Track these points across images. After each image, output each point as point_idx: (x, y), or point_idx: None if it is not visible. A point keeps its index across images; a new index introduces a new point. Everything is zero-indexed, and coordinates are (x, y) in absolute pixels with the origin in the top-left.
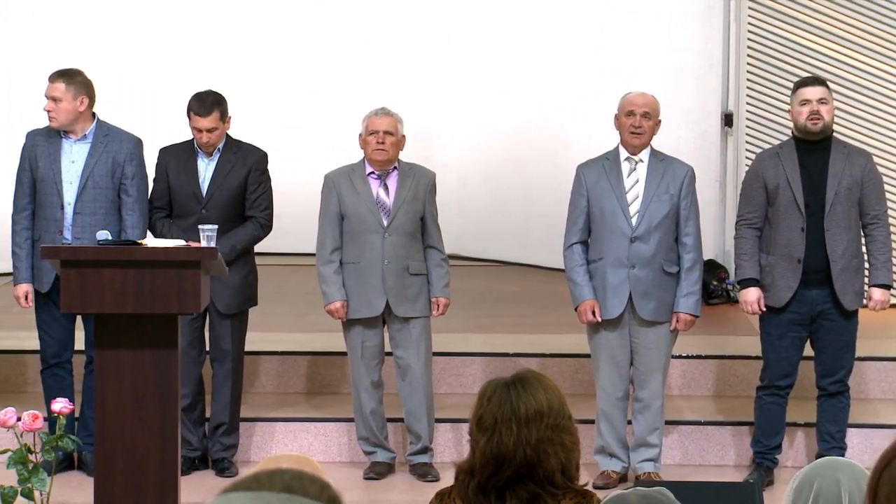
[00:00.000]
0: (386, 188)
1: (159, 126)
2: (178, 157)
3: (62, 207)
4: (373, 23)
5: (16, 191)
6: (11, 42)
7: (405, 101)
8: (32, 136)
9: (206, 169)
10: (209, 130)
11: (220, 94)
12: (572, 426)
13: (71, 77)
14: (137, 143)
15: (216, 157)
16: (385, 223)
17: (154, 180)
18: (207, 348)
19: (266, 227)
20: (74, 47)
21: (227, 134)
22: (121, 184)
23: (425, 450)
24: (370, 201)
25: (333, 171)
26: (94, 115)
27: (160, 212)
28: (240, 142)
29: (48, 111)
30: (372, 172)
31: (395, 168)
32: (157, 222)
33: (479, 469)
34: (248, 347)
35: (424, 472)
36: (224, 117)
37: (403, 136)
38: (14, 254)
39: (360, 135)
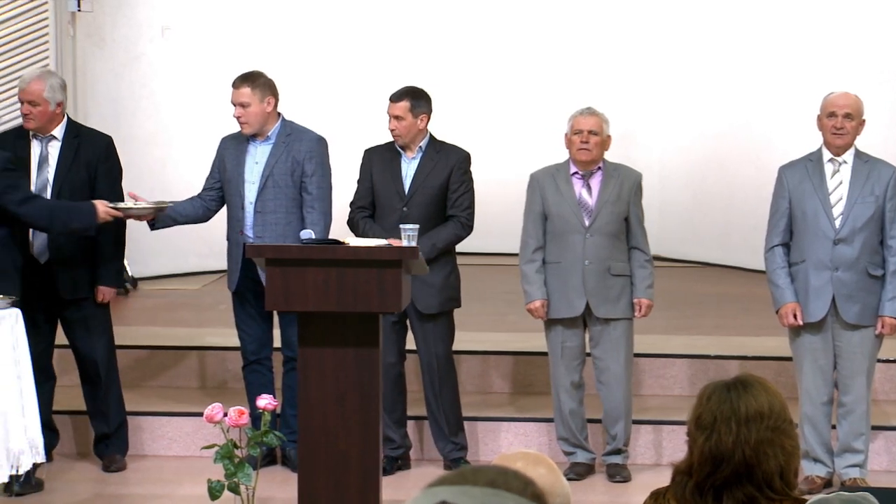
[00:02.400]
0: (589, 188)
1: (362, 126)
2: (382, 157)
3: (243, 207)
4: (579, 23)
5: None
6: (194, 47)
7: (609, 102)
8: (225, 141)
9: (408, 168)
10: (397, 118)
11: (418, 89)
12: (793, 431)
13: (254, 80)
14: (319, 142)
15: (419, 156)
16: (587, 223)
17: (358, 181)
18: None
19: (467, 227)
20: (273, 48)
21: (430, 134)
22: (301, 182)
23: (619, 451)
24: (572, 201)
25: (539, 170)
26: (279, 115)
27: (363, 211)
28: (443, 142)
29: (238, 117)
30: (576, 172)
31: (599, 168)
32: (359, 222)
33: (697, 468)
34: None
35: (615, 473)
36: (415, 110)
37: (609, 137)
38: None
39: (566, 134)
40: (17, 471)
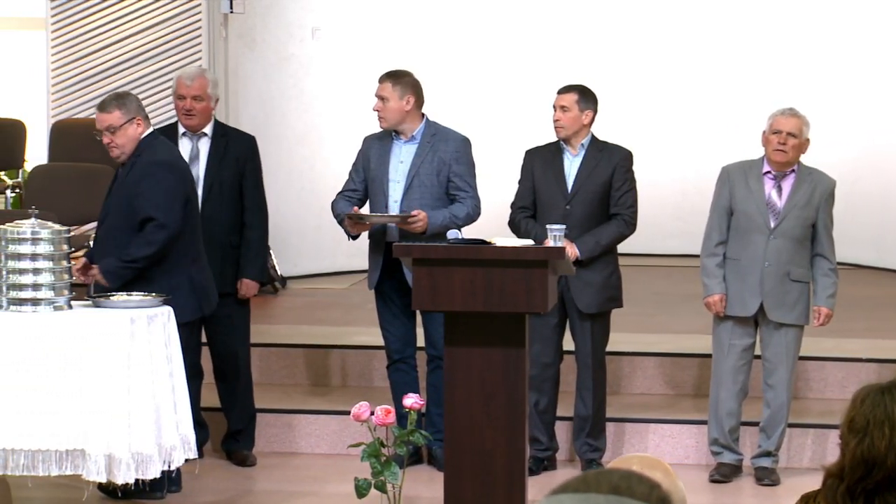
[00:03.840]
0: (779, 189)
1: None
2: (544, 157)
3: (387, 206)
4: (775, 25)
5: (344, 186)
6: (348, 44)
7: (764, 99)
8: (368, 140)
9: (571, 166)
10: (562, 108)
11: (586, 86)
12: None
13: (398, 77)
14: (465, 142)
15: (581, 154)
16: (772, 225)
17: (519, 181)
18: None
19: (631, 226)
20: (418, 47)
21: (592, 133)
22: (448, 181)
23: (768, 454)
24: (760, 200)
25: (731, 164)
26: (423, 115)
27: (525, 211)
28: (605, 142)
29: (377, 111)
30: (768, 172)
31: (792, 171)
32: (521, 222)
33: (849, 472)
34: None
35: (763, 476)
36: (581, 104)
37: (807, 140)
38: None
39: (764, 132)
40: (169, 466)
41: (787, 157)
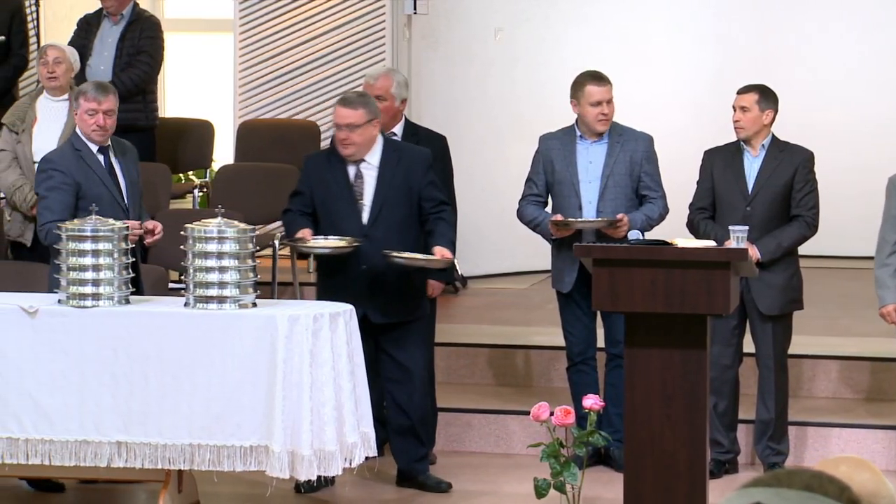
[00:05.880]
0: None
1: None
2: (724, 157)
3: (580, 207)
4: None
5: (524, 187)
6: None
7: None
8: (547, 141)
9: (751, 167)
10: (742, 109)
11: (767, 87)
12: None
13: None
14: (651, 141)
15: (762, 154)
16: None
17: (697, 182)
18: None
19: (813, 227)
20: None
21: (773, 133)
22: (639, 181)
23: None
24: None
25: None
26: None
27: (703, 212)
28: (786, 142)
29: (608, 115)
30: None
31: None
32: (700, 223)
33: None
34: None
35: None
36: (762, 104)
37: None
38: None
39: None
40: (350, 463)
41: None
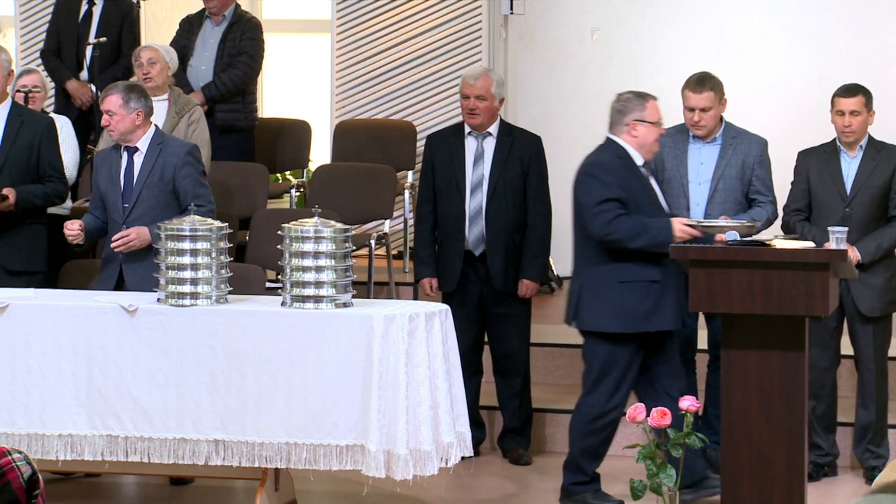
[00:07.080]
0: None
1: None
2: (820, 158)
3: (688, 209)
4: None
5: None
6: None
7: None
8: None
9: (849, 168)
10: (852, 113)
11: (867, 89)
12: None
13: (714, 82)
14: (765, 145)
15: (859, 155)
16: None
17: (792, 182)
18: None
19: None
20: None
21: (868, 134)
22: (750, 184)
23: None
24: None
25: None
26: (721, 118)
27: (799, 214)
28: (883, 142)
29: (697, 122)
30: None
31: None
32: (795, 224)
33: None
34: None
35: None
36: (868, 105)
37: None
38: None
39: None
40: (447, 463)
41: None
